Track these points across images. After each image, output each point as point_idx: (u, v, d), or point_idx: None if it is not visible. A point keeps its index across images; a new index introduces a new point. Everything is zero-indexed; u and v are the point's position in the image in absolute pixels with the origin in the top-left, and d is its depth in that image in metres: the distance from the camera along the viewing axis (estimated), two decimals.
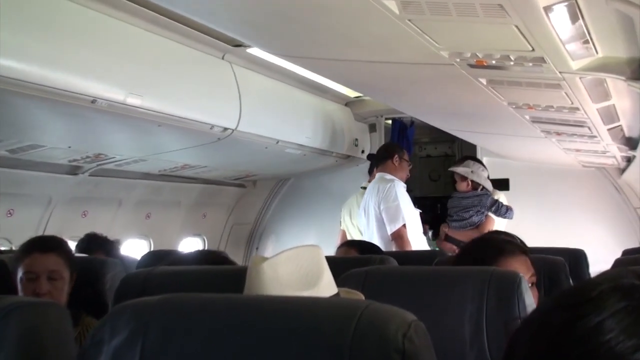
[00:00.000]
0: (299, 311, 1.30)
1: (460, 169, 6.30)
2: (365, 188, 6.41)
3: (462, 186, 6.29)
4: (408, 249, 5.46)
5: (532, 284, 2.61)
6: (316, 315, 1.29)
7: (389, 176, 5.85)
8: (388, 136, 8.02)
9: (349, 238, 6.10)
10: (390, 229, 5.54)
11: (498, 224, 6.23)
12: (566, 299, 0.90)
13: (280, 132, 6.11)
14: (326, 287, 1.85)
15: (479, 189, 6.25)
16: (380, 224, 5.62)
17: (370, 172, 6.51)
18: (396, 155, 5.97)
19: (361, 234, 5.97)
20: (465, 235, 5.87)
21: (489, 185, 6.30)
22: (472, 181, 6.27)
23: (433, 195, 8.39)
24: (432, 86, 4.32)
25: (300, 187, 8.67)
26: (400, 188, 5.75)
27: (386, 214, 5.59)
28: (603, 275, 0.92)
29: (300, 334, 1.25)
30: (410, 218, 5.65)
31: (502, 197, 6.48)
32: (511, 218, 6.29)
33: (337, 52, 3.65)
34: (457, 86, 4.02)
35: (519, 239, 3.30)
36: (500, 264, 2.54)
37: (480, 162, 6.47)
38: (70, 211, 5.85)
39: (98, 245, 4.53)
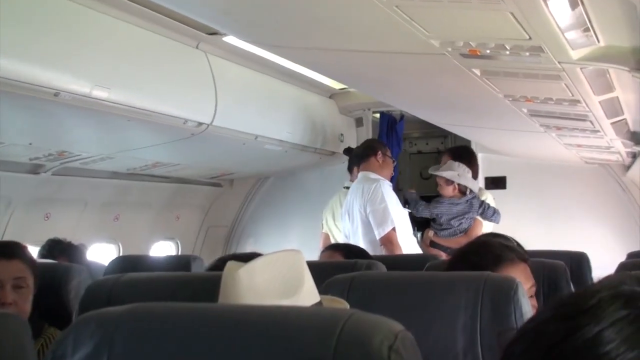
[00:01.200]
0: (277, 321, 1.30)
1: (446, 174, 6.14)
2: (348, 188, 6.42)
3: (448, 191, 6.16)
4: (399, 253, 5.46)
5: (532, 295, 2.60)
6: (296, 325, 1.28)
7: (373, 175, 5.83)
8: (376, 131, 8.02)
9: (332, 242, 6.08)
10: (379, 233, 5.53)
11: (485, 226, 6.21)
12: (563, 307, 0.90)
13: (259, 127, 6.10)
14: (307, 295, 1.85)
15: (467, 192, 6.17)
16: (367, 228, 5.60)
17: (350, 170, 6.51)
18: (379, 152, 5.94)
19: (347, 237, 5.96)
20: (455, 242, 5.87)
21: (475, 187, 6.20)
22: (459, 185, 6.14)
23: (424, 195, 8.39)
24: (423, 77, 4.32)
25: (281, 187, 8.66)
26: (387, 188, 5.73)
27: (373, 217, 5.58)
28: (603, 282, 0.92)
29: (278, 345, 1.25)
30: (399, 219, 5.65)
31: (489, 197, 6.42)
32: (497, 222, 6.20)
33: (320, 40, 3.65)
34: (449, 77, 4.03)
35: (516, 242, 3.31)
36: (498, 273, 2.53)
37: (471, 155, 6.38)
38: (32, 213, 5.81)
39: (61, 251, 4.51)
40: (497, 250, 2.65)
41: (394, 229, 5.55)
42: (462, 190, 6.11)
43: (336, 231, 6.46)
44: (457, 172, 6.07)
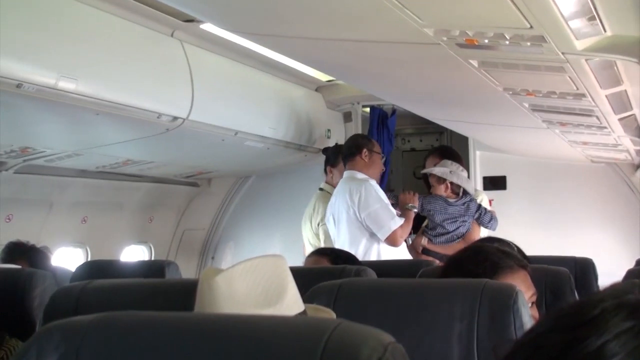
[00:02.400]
0: (258, 332, 1.30)
1: (437, 170, 6.03)
2: (323, 190, 6.41)
3: (440, 190, 6.02)
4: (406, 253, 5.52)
5: (532, 303, 2.60)
6: (278, 336, 1.29)
7: (360, 175, 5.75)
8: (365, 126, 8.04)
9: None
10: (384, 235, 5.50)
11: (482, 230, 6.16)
12: (564, 318, 0.90)
13: (239, 122, 6.10)
14: (290, 304, 1.85)
15: (460, 193, 6.10)
16: (356, 233, 5.57)
17: (327, 171, 6.51)
18: (365, 150, 5.84)
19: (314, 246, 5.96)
20: (452, 249, 5.81)
21: (470, 188, 6.11)
22: (452, 184, 5.98)
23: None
24: (416, 69, 4.33)
25: (263, 187, 8.66)
26: (377, 187, 5.69)
27: (372, 220, 5.52)
28: (607, 290, 0.92)
29: (259, 358, 1.25)
30: None
31: (484, 199, 6.39)
32: (494, 229, 6.06)
33: (306, 29, 3.65)
34: (445, 69, 4.04)
35: (516, 247, 3.32)
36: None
37: (457, 156, 6.34)
38: None
39: (23, 255, 4.50)
40: (494, 258, 2.64)
41: (401, 226, 5.54)
42: (455, 191, 6.01)
43: (306, 238, 6.43)
44: (450, 169, 5.97)
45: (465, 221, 5.92)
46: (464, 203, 5.95)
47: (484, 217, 5.99)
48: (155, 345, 1.31)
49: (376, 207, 5.53)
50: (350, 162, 5.87)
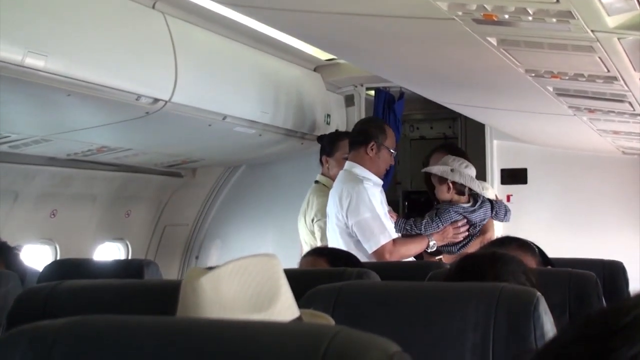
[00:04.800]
0: (249, 339, 1.31)
1: (436, 169, 5.91)
2: (318, 182, 6.41)
3: (443, 191, 5.89)
4: None
5: None
6: (272, 344, 1.29)
7: (360, 170, 5.66)
8: (370, 111, 8.03)
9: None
10: (370, 248, 5.40)
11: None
12: (591, 327, 0.90)
13: (228, 105, 6.10)
14: (283, 309, 1.85)
15: (466, 192, 5.91)
16: (345, 239, 5.51)
17: (322, 161, 6.50)
18: (373, 142, 5.71)
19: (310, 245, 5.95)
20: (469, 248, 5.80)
21: (476, 187, 5.94)
22: (454, 183, 5.85)
23: (426, 191, 8.42)
24: (427, 47, 4.33)
25: (255, 177, 8.66)
26: (372, 189, 5.58)
27: (359, 229, 5.46)
28: (639, 296, 0.92)
29: None
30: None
31: (489, 191, 6.34)
32: (508, 220, 6.05)
33: (304, 1, 3.65)
34: (460, 47, 4.04)
35: (537, 247, 3.33)
36: None
37: (462, 152, 6.25)
38: None
39: None
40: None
41: (393, 241, 5.47)
42: (460, 190, 5.93)
43: (302, 236, 6.43)
44: (451, 167, 5.83)
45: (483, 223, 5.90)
46: (481, 207, 5.88)
47: (499, 213, 5.97)
48: (133, 353, 1.31)
49: (366, 215, 5.46)
50: (354, 150, 5.79)
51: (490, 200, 6.01)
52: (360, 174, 5.65)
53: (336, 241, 5.57)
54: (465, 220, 5.78)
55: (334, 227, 5.61)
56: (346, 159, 5.90)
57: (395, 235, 5.58)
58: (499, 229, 5.99)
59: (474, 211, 5.87)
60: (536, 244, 3.63)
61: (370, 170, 5.68)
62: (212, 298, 1.76)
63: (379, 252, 5.39)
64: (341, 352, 1.22)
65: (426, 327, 2.19)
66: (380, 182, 5.76)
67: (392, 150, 5.82)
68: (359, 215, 5.45)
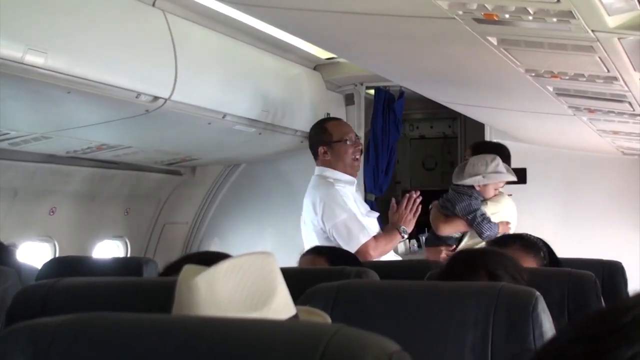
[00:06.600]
0: (247, 337, 1.30)
1: (469, 181, 5.96)
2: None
3: (489, 193, 6.05)
4: None
5: None
6: (270, 343, 1.29)
7: (329, 172, 5.62)
8: (370, 110, 8.04)
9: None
10: (352, 248, 5.24)
11: None
12: (590, 326, 0.90)
13: (228, 103, 6.11)
14: (279, 308, 1.83)
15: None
16: (326, 244, 5.36)
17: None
18: (320, 148, 5.66)
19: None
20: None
21: (506, 177, 6.07)
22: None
23: (428, 189, 8.40)
24: (428, 46, 4.33)
25: (254, 176, 8.66)
26: (344, 190, 5.53)
27: (337, 233, 5.41)
28: (638, 297, 0.92)
29: None
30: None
31: (503, 208, 6.34)
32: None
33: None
34: (460, 47, 4.04)
35: (542, 242, 3.36)
36: None
37: (493, 148, 6.30)
38: None
39: None
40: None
41: (374, 238, 5.43)
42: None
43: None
44: (482, 174, 5.91)
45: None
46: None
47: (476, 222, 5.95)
48: (132, 350, 1.31)
49: (343, 217, 5.42)
50: (317, 160, 5.75)
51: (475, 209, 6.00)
52: (331, 177, 5.60)
53: (313, 241, 5.50)
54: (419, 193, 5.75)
55: (311, 232, 5.56)
56: None
57: (374, 232, 5.54)
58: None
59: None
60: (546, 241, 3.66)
61: (338, 170, 5.63)
62: (207, 297, 1.75)
63: (361, 251, 5.30)
64: (340, 351, 1.22)
65: (425, 326, 2.19)
66: (353, 179, 5.69)
67: (345, 139, 5.66)
68: (336, 218, 5.41)
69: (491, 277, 2.66)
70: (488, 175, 5.89)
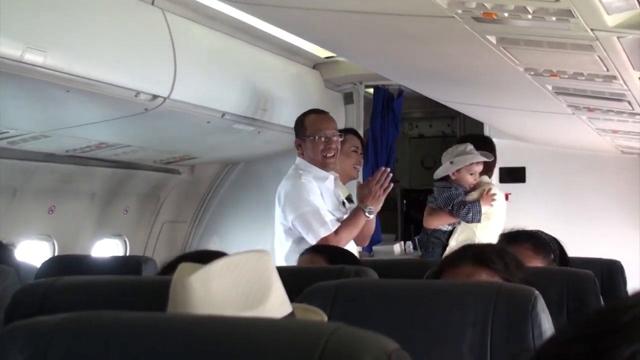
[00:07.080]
0: (244, 336, 1.30)
1: (439, 171, 6.17)
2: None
3: (466, 181, 6.11)
4: None
5: None
6: (268, 342, 1.29)
7: (303, 165, 5.55)
8: (369, 109, 8.04)
9: None
10: (311, 240, 5.23)
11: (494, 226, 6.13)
12: (589, 326, 0.90)
13: (227, 102, 6.10)
14: (275, 307, 1.82)
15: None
16: (281, 235, 5.47)
17: None
18: (296, 139, 5.63)
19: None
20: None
21: (474, 157, 6.12)
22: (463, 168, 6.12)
23: (427, 188, 8.40)
24: (427, 45, 4.33)
25: (253, 174, 8.65)
26: (310, 184, 5.44)
27: (299, 224, 5.35)
28: (637, 296, 0.91)
29: None
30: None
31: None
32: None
33: None
34: (459, 45, 4.04)
35: (558, 245, 3.36)
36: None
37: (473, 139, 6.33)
38: None
39: None
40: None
41: (335, 232, 5.30)
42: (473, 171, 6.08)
43: None
44: (449, 161, 6.06)
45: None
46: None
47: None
48: (130, 349, 1.31)
49: (305, 210, 5.34)
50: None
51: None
52: (304, 169, 5.52)
53: (278, 237, 5.53)
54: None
55: (278, 224, 5.54)
56: (354, 151, 6.03)
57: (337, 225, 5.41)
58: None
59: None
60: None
61: (312, 163, 5.54)
62: (201, 296, 1.74)
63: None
64: (339, 350, 1.22)
65: (424, 324, 2.19)
66: (326, 175, 5.56)
67: (318, 136, 5.53)
68: (298, 210, 5.34)
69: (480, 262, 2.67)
70: (455, 159, 5.97)
